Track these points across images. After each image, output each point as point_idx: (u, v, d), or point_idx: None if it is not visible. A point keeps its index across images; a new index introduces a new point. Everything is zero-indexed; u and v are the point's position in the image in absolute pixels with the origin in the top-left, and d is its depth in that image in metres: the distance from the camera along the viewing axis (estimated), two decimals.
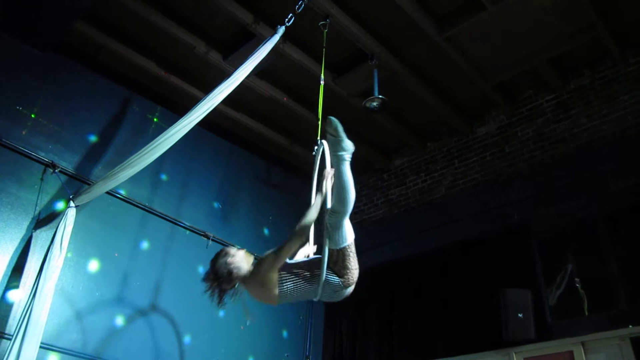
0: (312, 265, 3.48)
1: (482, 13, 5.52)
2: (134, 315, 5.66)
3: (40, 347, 4.49)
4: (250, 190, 7.42)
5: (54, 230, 4.90)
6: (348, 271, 3.42)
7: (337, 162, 3.37)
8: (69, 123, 5.74)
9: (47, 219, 5.22)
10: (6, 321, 4.70)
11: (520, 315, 5.38)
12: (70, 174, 5.54)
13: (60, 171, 5.42)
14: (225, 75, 4.97)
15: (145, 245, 6.02)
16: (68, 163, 5.58)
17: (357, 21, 5.72)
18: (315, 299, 3.50)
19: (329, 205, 3.52)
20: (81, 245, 5.42)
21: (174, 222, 6.32)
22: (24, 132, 5.37)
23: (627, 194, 5.41)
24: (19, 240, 5.00)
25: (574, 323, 5.29)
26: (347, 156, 3.37)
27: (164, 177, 6.45)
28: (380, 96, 5.94)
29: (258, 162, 7.67)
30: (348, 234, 3.41)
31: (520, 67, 6.29)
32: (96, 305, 5.39)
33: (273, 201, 7.61)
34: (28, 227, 5.09)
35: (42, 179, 5.31)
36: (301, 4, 4.91)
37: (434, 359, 6.02)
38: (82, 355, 5.12)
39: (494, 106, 6.92)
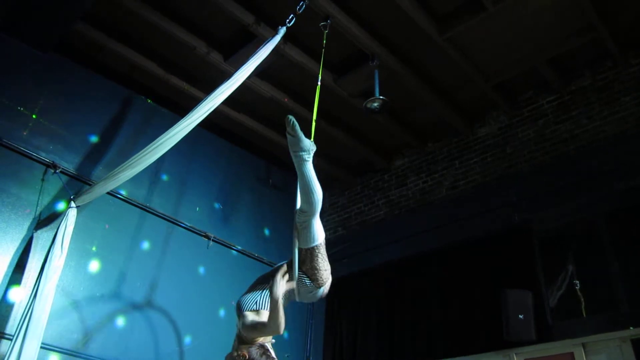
0: (274, 272, 3.46)
1: (482, 13, 5.51)
2: (135, 316, 5.66)
3: (41, 347, 4.50)
4: (250, 191, 7.43)
5: (55, 230, 4.91)
6: (317, 272, 3.43)
7: (297, 162, 3.30)
8: (70, 123, 5.75)
9: (48, 219, 5.22)
10: (7, 321, 4.71)
11: (521, 316, 5.37)
12: (71, 174, 5.55)
13: (61, 172, 5.43)
14: (226, 76, 4.97)
15: (146, 245, 6.02)
16: (69, 163, 5.59)
17: (357, 22, 5.72)
18: (297, 300, 3.55)
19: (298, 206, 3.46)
20: (82, 246, 5.43)
21: (175, 223, 6.33)
22: (25, 133, 5.38)
23: (628, 195, 5.40)
24: (19, 241, 5.01)
25: (574, 324, 5.28)
26: (307, 156, 3.28)
27: (164, 177, 6.45)
28: (381, 97, 5.93)
29: (258, 162, 7.68)
30: (318, 233, 3.41)
31: (521, 68, 6.29)
32: (97, 306, 5.40)
33: (273, 202, 7.61)
34: (29, 227, 5.10)
35: (43, 180, 5.32)
36: (302, 5, 4.91)
37: None
38: (83, 355, 5.13)
39: (495, 107, 6.91)
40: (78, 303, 5.28)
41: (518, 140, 6.62)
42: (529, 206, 6.07)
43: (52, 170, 5.38)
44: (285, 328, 5.93)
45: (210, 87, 4.91)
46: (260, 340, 3.33)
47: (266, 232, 7.37)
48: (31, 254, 5.00)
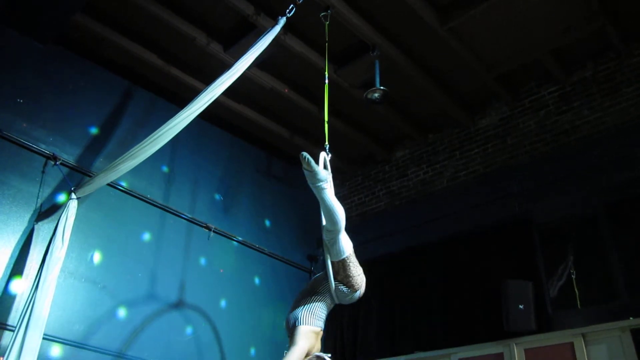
0: (314, 285, 3.81)
1: (484, 4, 5.47)
2: (137, 307, 5.69)
3: (44, 338, 4.53)
4: (251, 182, 7.44)
5: (56, 222, 4.92)
6: (351, 279, 3.71)
7: (317, 193, 3.54)
8: (69, 115, 5.74)
9: (48, 211, 5.24)
10: (9, 313, 4.74)
11: (521, 306, 5.39)
12: (71, 166, 5.55)
13: (61, 163, 5.43)
14: (226, 67, 4.96)
15: (146, 236, 6.04)
16: (69, 155, 5.59)
17: (358, 12, 5.69)
18: (337, 302, 3.84)
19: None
20: (83, 237, 5.44)
21: (175, 214, 6.34)
22: (24, 125, 5.37)
23: (629, 186, 5.41)
24: (20, 233, 5.02)
25: (574, 314, 5.31)
26: (326, 185, 3.54)
27: (165, 169, 6.46)
28: (381, 87, 5.92)
29: (259, 153, 7.67)
30: (345, 246, 3.67)
31: (523, 59, 6.25)
32: (99, 297, 5.42)
33: (274, 193, 7.62)
34: (30, 219, 5.11)
35: (43, 172, 5.32)
36: None
37: (435, 350, 6.04)
38: (85, 346, 5.16)
39: (496, 98, 6.89)
40: (80, 294, 5.30)
41: (519, 131, 6.60)
42: (530, 197, 6.07)
43: (52, 162, 5.38)
44: None
45: (210, 78, 4.89)
46: (315, 351, 3.60)
47: (267, 223, 7.37)
48: (32, 246, 5.02)
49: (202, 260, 6.47)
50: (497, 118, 6.91)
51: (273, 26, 4.86)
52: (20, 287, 4.85)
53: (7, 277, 4.83)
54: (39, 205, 5.20)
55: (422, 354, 6.12)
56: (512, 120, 6.73)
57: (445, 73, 6.63)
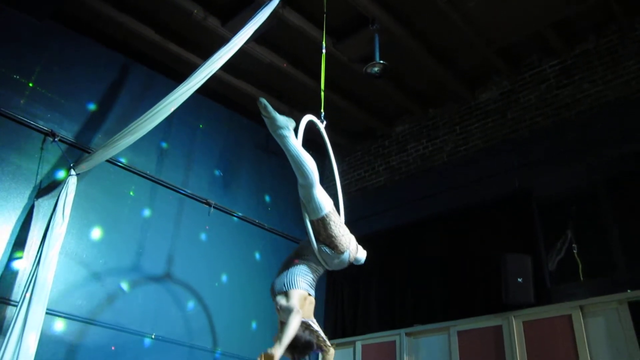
0: (299, 250, 3.72)
1: None
2: (138, 282, 5.73)
3: (47, 313, 4.57)
4: (251, 158, 7.43)
5: (56, 198, 4.93)
6: (334, 239, 3.56)
7: (279, 141, 3.42)
8: (67, 91, 5.71)
9: (48, 187, 5.24)
10: (12, 288, 4.78)
11: (520, 280, 5.43)
12: (70, 142, 5.54)
13: (60, 140, 5.42)
14: (223, 41, 4.90)
15: (147, 212, 6.05)
16: (68, 132, 5.58)
17: None
18: (328, 269, 3.73)
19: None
20: (83, 213, 5.45)
21: (175, 190, 6.35)
22: (22, 101, 5.34)
23: (629, 160, 5.40)
24: (21, 209, 5.04)
25: (573, 287, 5.35)
26: (287, 132, 3.40)
27: (164, 145, 6.44)
28: (381, 61, 5.87)
29: (258, 129, 7.63)
30: (323, 203, 3.52)
31: (524, 32, 6.18)
32: (100, 272, 5.46)
33: (273, 168, 7.61)
34: (30, 196, 5.12)
35: (42, 148, 5.31)
36: None
37: (435, 323, 6.10)
38: (87, 320, 5.22)
39: (497, 72, 6.84)
40: (81, 270, 5.33)
41: (519, 105, 6.57)
42: (530, 171, 6.07)
43: (51, 139, 5.37)
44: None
45: (208, 53, 4.85)
46: (303, 317, 3.47)
47: (267, 198, 7.39)
48: (33, 222, 5.04)
49: (203, 236, 6.50)
50: (497, 92, 6.87)
51: None
52: (22, 263, 4.89)
53: (8, 253, 4.86)
54: (38, 182, 5.20)
55: (421, 327, 6.20)
56: (513, 94, 6.69)
57: (446, 47, 6.56)
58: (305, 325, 3.42)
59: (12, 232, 4.93)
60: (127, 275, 5.66)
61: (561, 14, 5.91)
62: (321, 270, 3.78)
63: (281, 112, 7.76)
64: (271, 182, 7.53)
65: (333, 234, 3.56)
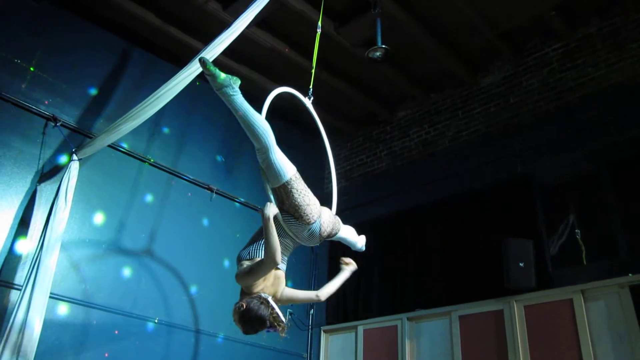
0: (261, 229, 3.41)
1: None
2: (141, 266, 5.76)
3: (50, 297, 4.60)
4: (252, 143, 7.40)
5: (58, 183, 4.94)
6: (298, 208, 3.32)
7: (225, 100, 3.22)
8: (68, 76, 5.69)
9: (50, 172, 5.25)
10: (15, 272, 4.80)
11: (521, 264, 5.44)
12: (72, 127, 5.54)
13: (62, 125, 5.42)
14: (224, 26, 4.87)
15: (149, 198, 6.06)
16: (69, 116, 5.57)
17: None
18: (301, 243, 3.49)
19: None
20: (86, 198, 5.47)
21: (178, 175, 6.35)
22: (23, 86, 5.33)
23: (631, 145, 5.38)
24: (23, 194, 5.05)
25: (574, 272, 5.35)
26: (232, 90, 3.21)
27: (166, 130, 6.44)
28: (383, 46, 5.83)
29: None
30: (284, 169, 3.33)
31: (527, 15, 6.12)
32: (103, 257, 5.49)
33: None
34: (32, 180, 5.13)
35: (44, 133, 5.31)
36: None
37: (437, 308, 6.13)
38: (91, 305, 5.25)
39: (499, 56, 6.80)
40: (84, 254, 5.36)
41: (522, 89, 6.53)
42: (532, 156, 6.05)
43: (53, 124, 5.37)
44: (290, 279, 6.07)
45: (209, 38, 4.82)
46: (259, 291, 3.32)
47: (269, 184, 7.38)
48: (36, 207, 5.05)
49: (205, 221, 6.52)
50: (500, 77, 6.84)
51: None
52: (25, 247, 4.91)
53: (12, 237, 4.88)
54: (40, 166, 5.21)
55: (423, 312, 6.23)
56: (516, 78, 6.66)
57: (448, 31, 6.51)
58: (261, 300, 3.24)
59: (15, 216, 4.95)
60: (129, 260, 5.69)
61: None
62: (291, 245, 3.52)
63: (282, 97, 7.74)
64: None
65: (296, 203, 3.31)
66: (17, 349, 4.24)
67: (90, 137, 5.39)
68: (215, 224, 6.59)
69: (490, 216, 6.23)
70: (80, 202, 5.36)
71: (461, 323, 5.83)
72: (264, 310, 3.20)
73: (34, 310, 4.36)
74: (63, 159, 5.35)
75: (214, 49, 4.53)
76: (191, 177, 6.46)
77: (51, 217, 4.73)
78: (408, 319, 6.31)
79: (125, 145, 5.91)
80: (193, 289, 6.14)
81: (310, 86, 4.37)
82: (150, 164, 6.13)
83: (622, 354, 4.67)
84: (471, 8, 5.99)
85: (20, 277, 4.74)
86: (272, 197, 3.37)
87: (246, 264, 3.38)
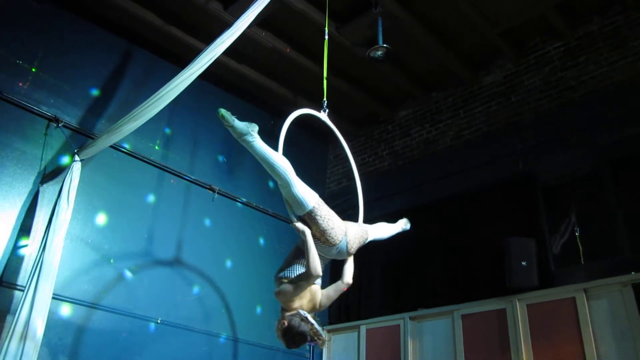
0: (299, 244, 3.75)
1: None
2: (143, 267, 5.76)
3: (53, 298, 4.60)
4: None
5: (61, 184, 4.94)
6: (324, 232, 3.59)
7: (247, 147, 3.49)
8: (70, 77, 5.70)
9: (53, 173, 5.26)
10: (18, 273, 4.81)
11: (524, 263, 5.43)
12: (74, 128, 5.54)
13: (64, 125, 5.42)
14: (226, 26, 4.87)
15: (151, 198, 6.07)
16: (71, 117, 5.58)
17: None
18: (330, 257, 3.82)
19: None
20: (88, 199, 5.47)
21: (179, 176, 6.36)
22: (25, 87, 5.34)
23: (633, 143, 5.37)
24: (26, 195, 5.06)
25: (577, 270, 5.34)
26: (250, 137, 3.45)
27: (167, 130, 6.44)
28: (384, 45, 5.83)
29: (261, 114, 7.62)
30: (306, 198, 3.54)
31: (528, 14, 6.12)
32: (105, 257, 5.49)
33: None
34: (34, 181, 5.14)
35: (46, 134, 5.32)
36: None
37: (439, 307, 6.13)
38: (93, 305, 5.25)
39: (501, 54, 6.79)
40: (87, 255, 5.36)
41: (523, 88, 6.53)
42: (534, 155, 6.05)
43: (55, 124, 5.37)
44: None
45: (210, 38, 4.82)
46: (298, 307, 3.56)
47: (270, 184, 7.39)
48: (38, 208, 5.06)
49: (207, 222, 6.52)
50: (501, 75, 6.83)
51: None
52: (27, 248, 4.91)
53: (14, 238, 4.89)
54: (43, 167, 5.22)
55: (425, 311, 6.23)
56: (517, 77, 6.65)
57: (449, 30, 6.52)
58: (300, 317, 3.49)
59: (18, 217, 4.96)
60: (132, 261, 5.69)
61: None
62: (325, 259, 3.80)
63: (284, 97, 7.80)
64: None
65: (322, 228, 3.58)
66: (20, 350, 4.23)
67: (92, 138, 5.39)
68: (217, 224, 6.59)
69: (492, 215, 6.23)
70: (83, 202, 5.37)
71: (464, 322, 5.83)
72: (304, 327, 3.45)
73: (37, 311, 4.35)
74: (65, 159, 5.36)
75: (216, 49, 4.52)
76: (193, 178, 6.46)
77: (53, 218, 4.72)
78: (410, 318, 6.31)
79: (127, 146, 5.92)
80: (195, 290, 6.15)
81: (324, 98, 4.41)
82: (152, 164, 6.12)
83: (625, 352, 4.67)
84: (472, 7, 5.99)
85: (23, 278, 4.75)
86: (296, 224, 3.62)
87: (286, 281, 3.62)
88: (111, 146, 5.38)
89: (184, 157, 6.50)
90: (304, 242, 3.52)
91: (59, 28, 5.74)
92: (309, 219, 3.57)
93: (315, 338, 3.47)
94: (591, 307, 5.00)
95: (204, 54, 4.52)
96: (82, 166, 5.02)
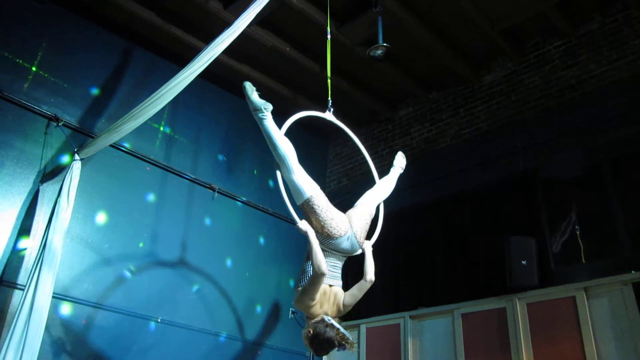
0: (307, 257, 3.68)
1: None
2: (143, 266, 5.76)
3: (53, 297, 4.60)
4: (254, 143, 7.40)
5: (61, 183, 4.94)
6: (324, 223, 3.58)
7: (257, 121, 3.67)
8: (70, 76, 5.70)
9: (53, 172, 5.26)
10: (18, 272, 4.82)
11: (524, 262, 5.43)
12: (74, 127, 5.54)
13: (64, 125, 5.42)
14: (226, 25, 4.87)
15: (151, 197, 6.07)
16: (71, 116, 5.58)
17: None
18: (344, 254, 3.79)
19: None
20: (88, 198, 5.47)
21: (179, 175, 6.36)
22: (25, 86, 5.34)
23: (634, 141, 5.36)
24: (26, 194, 5.06)
25: (577, 269, 5.34)
26: (262, 114, 3.65)
27: (167, 129, 6.44)
28: (384, 44, 5.83)
29: None
30: (305, 186, 3.61)
31: (528, 12, 6.11)
32: (105, 257, 5.49)
33: None
34: (34, 180, 5.14)
35: (46, 133, 5.32)
36: None
37: (439, 306, 6.13)
38: (94, 304, 5.26)
39: (501, 53, 6.78)
40: (87, 254, 5.37)
41: (524, 87, 6.53)
42: (534, 153, 6.05)
43: (55, 124, 5.37)
44: (293, 277, 6.08)
45: (210, 37, 4.82)
46: (321, 313, 3.56)
47: (270, 183, 7.39)
48: (38, 207, 5.06)
49: (207, 221, 6.52)
50: (501, 74, 6.83)
51: None
52: (28, 247, 4.91)
53: (14, 237, 4.89)
54: (43, 166, 5.22)
55: (426, 310, 6.23)
56: (517, 76, 6.65)
57: (450, 28, 6.51)
58: (325, 323, 3.48)
59: (18, 216, 4.96)
60: (132, 260, 5.69)
61: None
62: (338, 263, 3.78)
63: (284, 97, 7.79)
64: (275, 167, 7.51)
65: (321, 218, 3.58)
66: (21, 349, 4.24)
67: (92, 137, 5.39)
68: (217, 223, 6.59)
69: (492, 214, 6.23)
70: (83, 201, 5.37)
71: (464, 321, 5.83)
72: (330, 333, 3.43)
73: (37, 310, 4.36)
74: (65, 158, 5.36)
75: (215, 48, 4.52)
76: (193, 177, 6.47)
77: (54, 217, 4.73)
78: (411, 317, 6.31)
79: (127, 145, 5.92)
80: (195, 288, 6.15)
81: (329, 97, 4.45)
82: (152, 163, 6.12)
83: (625, 351, 4.67)
84: (472, 6, 5.98)
85: (23, 277, 4.76)
86: (292, 212, 3.64)
87: (300, 289, 3.62)
88: (111, 145, 5.38)
89: (184, 156, 6.50)
90: (308, 240, 3.53)
91: (59, 27, 5.74)
92: (308, 209, 3.59)
93: (343, 342, 3.45)
94: (591, 306, 5.00)
95: (204, 53, 4.52)
96: (82, 165, 5.03)
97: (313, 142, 8.24)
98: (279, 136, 3.66)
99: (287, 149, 3.63)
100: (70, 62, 5.74)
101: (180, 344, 5.82)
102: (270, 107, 3.71)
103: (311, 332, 3.47)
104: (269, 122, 3.66)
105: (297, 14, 6.11)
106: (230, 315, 6.37)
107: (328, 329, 3.44)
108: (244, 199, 6.97)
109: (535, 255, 5.47)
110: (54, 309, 4.84)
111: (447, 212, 6.68)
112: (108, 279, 5.45)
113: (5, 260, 4.78)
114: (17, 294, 4.70)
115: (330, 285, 3.68)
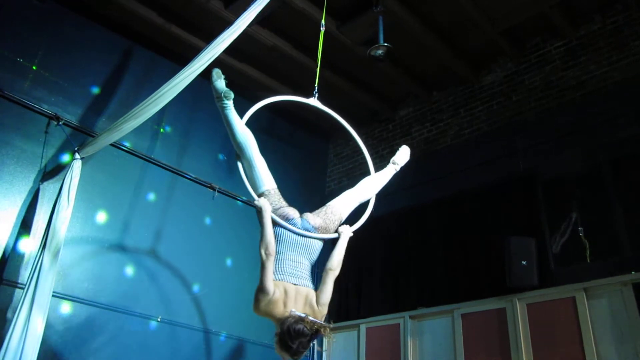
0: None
1: None
2: (144, 265, 5.77)
3: (53, 296, 4.60)
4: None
5: (61, 182, 4.93)
6: (276, 209, 3.58)
7: (220, 110, 3.72)
8: (70, 75, 5.70)
9: (53, 171, 5.26)
10: (19, 271, 4.82)
11: (524, 262, 5.43)
12: (74, 126, 5.53)
13: (64, 123, 5.41)
14: (226, 24, 4.87)
15: (151, 196, 6.07)
16: (72, 115, 5.58)
17: None
18: (310, 254, 3.66)
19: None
20: (89, 197, 5.47)
21: (180, 174, 6.35)
22: (26, 85, 5.34)
23: (634, 142, 5.36)
24: (26, 193, 5.06)
25: (577, 270, 5.33)
26: (223, 102, 3.71)
27: (168, 128, 6.44)
28: (385, 44, 5.82)
29: (263, 113, 7.58)
30: (263, 179, 3.67)
31: (529, 12, 6.11)
32: (106, 256, 5.50)
33: (277, 153, 7.59)
34: (35, 179, 5.14)
35: (46, 132, 5.31)
36: None
37: (439, 306, 6.12)
38: (94, 303, 5.26)
39: (501, 54, 6.79)
40: (87, 253, 5.37)
41: (524, 87, 6.53)
42: (535, 154, 6.05)
43: (55, 122, 5.35)
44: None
45: (210, 36, 4.82)
46: (280, 315, 3.26)
47: None
48: (38, 206, 5.06)
49: (207, 220, 6.52)
50: (502, 75, 6.83)
51: None
52: (28, 246, 4.92)
53: (15, 236, 4.89)
54: (43, 165, 5.22)
55: (425, 310, 6.22)
56: (518, 76, 6.65)
57: (450, 29, 6.51)
58: (289, 316, 3.16)
59: (18, 215, 4.96)
60: (132, 259, 5.70)
61: None
62: (303, 260, 3.54)
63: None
64: (275, 166, 7.48)
65: (274, 208, 3.57)
66: (21, 348, 4.24)
67: (93, 136, 5.38)
68: (218, 222, 6.59)
69: (492, 214, 6.23)
70: (83, 200, 5.37)
71: (463, 321, 5.82)
72: (298, 325, 3.09)
73: (37, 309, 4.35)
74: (65, 157, 5.36)
75: (216, 48, 4.53)
76: (193, 176, 6.46)
77: (54, 216, 4.72)
78: (410, 317, 6.30)
79: (127, 144, 5.91)
80: (195, 288, 6.15)
81: (316, 84, 4.41)
82: (152, 162, 6.12)
83: (625, 352, 4.66)
84: (473, 6, 5.98)
85: (23, 276, 4.76)
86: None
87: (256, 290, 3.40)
88: (111, 144, 5.37)
89: (184, 155, 6.50)
90: (258, 217, 3.48)
91: (60, 26, 5.74)
92: (269, 199, 3.60)
93: (316, 328, 3.10)
94: (591, 306, 4.99)
95: (204, 52, 4.53)
96: (83, 164, 5.01)
97: (313, 142, 8.24)
98: (238, 124, 3.70)
99: (245, 139, 3.68)
100: (71, 61, 5.74)
101: (180, 343, 5.83)
102: (231, 95, 3.77)
103: (278, 331, 3.11)
104: (229, 110, 3.72)
105: (297, 13, 6.11)
106: (230, 314, 6.37)
107: (292, 320, 3.10)
108: (245, 198, 6.97)
109: (535, 256, 5.46)
110: (54, 307, 4.84)
111: (447, 212, 6.67)
112: (108, 278, 5.45)
113: (5, 260, 4.77)
114: (17, 293, 4.70)
115: (295, 284, 3.38)
